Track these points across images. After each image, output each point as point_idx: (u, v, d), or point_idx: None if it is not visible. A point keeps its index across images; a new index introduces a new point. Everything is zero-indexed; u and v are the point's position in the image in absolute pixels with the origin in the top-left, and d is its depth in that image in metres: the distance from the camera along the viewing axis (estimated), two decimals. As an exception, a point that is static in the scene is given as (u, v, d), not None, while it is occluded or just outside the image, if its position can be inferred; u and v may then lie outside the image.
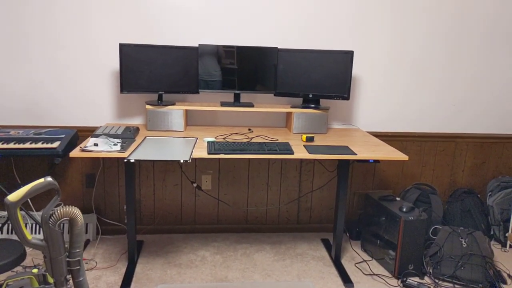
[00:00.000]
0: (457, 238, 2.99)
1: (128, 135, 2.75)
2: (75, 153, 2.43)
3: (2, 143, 2.68)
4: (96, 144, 2.51)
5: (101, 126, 2.95)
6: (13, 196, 1.30)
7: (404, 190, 3.50)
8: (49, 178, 1.36)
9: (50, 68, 3.10)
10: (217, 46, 3.03)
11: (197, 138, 2.86)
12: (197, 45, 3.09)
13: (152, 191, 3.39)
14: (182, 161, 2.36)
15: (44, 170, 3.24)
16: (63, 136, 2.86)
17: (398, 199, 3.17)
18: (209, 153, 2.50)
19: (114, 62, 3.14)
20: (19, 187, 1.36)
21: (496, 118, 3.59)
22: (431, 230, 3.23)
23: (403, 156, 2.63)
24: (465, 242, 2.95)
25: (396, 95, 3.43)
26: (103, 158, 3.28)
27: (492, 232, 3.50)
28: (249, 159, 3.39)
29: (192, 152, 2.51)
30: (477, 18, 3.36)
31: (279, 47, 3.21)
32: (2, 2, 2.96)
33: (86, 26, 3.06)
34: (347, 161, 2.95)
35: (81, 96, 3.17)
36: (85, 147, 2.48)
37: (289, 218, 3.58)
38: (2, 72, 3.07)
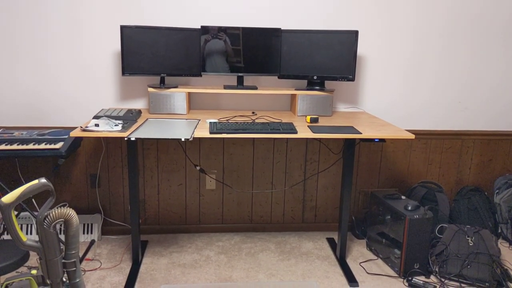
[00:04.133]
0: (463, 236, 2.95)
1: (130, 117, 2.75)
2: (75, 132, 2.43)
3: (6, 144, 2.70)
4: (97, 125, 2.51)
5: (102, 109, 2.94)
6: (7, 198, 1.30)
7: (410, 188, 3.47)
8: (43, 180, 1.36)
9: (48, 67, 3.11)
10: (219, 28, 2.99)
11: (200, 120, 2.85)
12: (199, 27, 3.04)
13: (157, 191, 3.39)
14: (183, 139, 2.34)
15: (48, 171, 3.26)
16: (66, 137, 2.87)
17: (403, 197, 3.13)
18: (211, 133, 2.47)
19: (114, 46, 3.13)
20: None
21: (503, 114, 3.54)
22: (437, 229, 3.20)
23: (409, 135, 2.58)
24: (471, 240, 2.91)
25: (403, 91, 3.40)
26: (107, 146, 3.29)
27: (499, 230, 3.45)
28: (253, 157, 3.38)
29: (194, 131, 2.50)
30: (495, 14, 3.32)
31: (282, 28, 3.18)
32: None
33: (83, 13, 3.07)
34: (353, 142, 2.91)
35: (82, 85, 3.17)
36: (86, 127, 2.48)
37: (294, 217, 3.57)
38: (2, 75, 3.10)
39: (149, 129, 2.54)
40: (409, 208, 2.91)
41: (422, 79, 3.39)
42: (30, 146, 2.69)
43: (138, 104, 3.25)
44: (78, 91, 3.17)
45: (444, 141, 3.52)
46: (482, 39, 3.37)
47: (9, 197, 1.31)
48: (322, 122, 2.91)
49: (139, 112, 2.94)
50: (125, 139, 2.36)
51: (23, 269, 2.82)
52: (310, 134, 2.55)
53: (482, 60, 3.41)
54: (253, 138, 3.36)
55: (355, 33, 2.98)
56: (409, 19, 3.26)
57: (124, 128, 2.53)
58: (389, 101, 3.41)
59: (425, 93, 3.42)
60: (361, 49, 3.30)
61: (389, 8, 3.23)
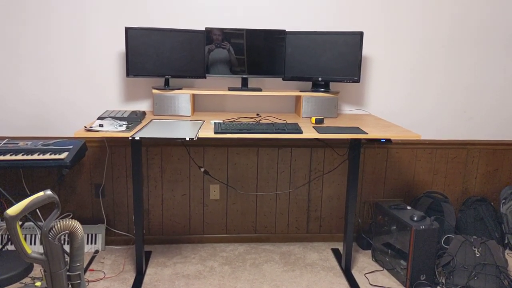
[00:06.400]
0: (470, 247, 2.92)
1: (134, 118, 2.75)
2: (79, 132, 2.43)
3: (11, 155, 2.70)
4: (101, 125, 2.52)
5: (107, 110, 2.95)
6: (12, 210, 1.29)
7: (415, 198, 3.45)
8: (48, 192, 1.36)
9: (51, 74, 3.13)
10: (224, 29, 2.99)
11: (204, 121, 2.84)
12: (204, 29, 3.04)
13: (161, 201, 3.39)
14: (188, 139, 2.34)
15: (53, 181, 3.26)
16: (71, 147, 2.87)
17: (409, 207, 3.11)
18: (215, 133, 2.47)
19: (118, 48, 3.14)
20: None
21: (509, 124, 3.52)
22: (443, 239, 3.17)
23: (415, 135, 2.56)
24: (478, 251, 2.89)
25: (408, 99, 3.39)
26: (111, 156, 3.28)
27: (506, 241, 3.42)
28: (257, 167, 3.37)
29: (198, 131, 2.49)
30: (500, 23, 3.32)
31: (287, 29, 3.17)
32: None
33: (86, 17, 3.08)
34: (359, 144, 2.90)
35: (86, 90, 3.18)
36: (90, 127, 2.48)
37: (299, 228, 3.55)
38: (6, 87, 3.11)
39: (153, 130, 2.54)
40: (415, 218, 2.89)
41: (427, 87, 3.39)
42: (35, 157, 2.69)
43: (143, 105, 3.25)
44: (82, 96, 3.17)
45: (450, 150, 3.51)
46: (487, 48, 3.36)
47: (14, 209, 1.30)
48: (327, 123, 2.90)
49: (143, 113, 2.94)
50: (129, 138, 2.36)
51: (27, 280, 2.81)
52: (315, 135, 2.53)
53: (487, 70, 3.40)
54: (258, 148, 3.35)
55: (360, 34, 2.98)
56: (414, 27, 3.26)
57: (128, 129, 2.53)
58: (394, 107, 3.40)
59: (430, 102, 3.42)
60: (366, 52, 3.30)
61: (394, 13, 3.23)
